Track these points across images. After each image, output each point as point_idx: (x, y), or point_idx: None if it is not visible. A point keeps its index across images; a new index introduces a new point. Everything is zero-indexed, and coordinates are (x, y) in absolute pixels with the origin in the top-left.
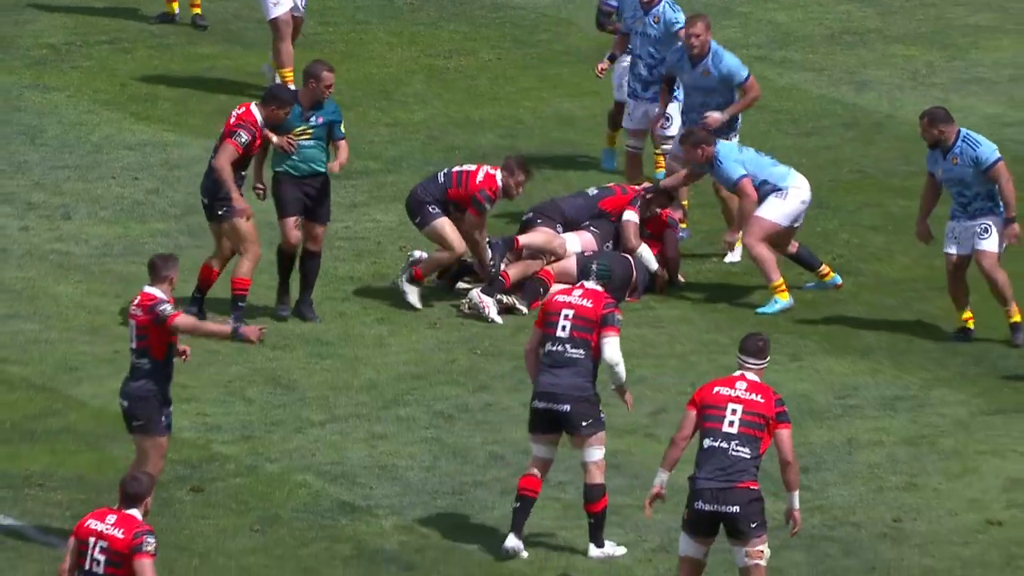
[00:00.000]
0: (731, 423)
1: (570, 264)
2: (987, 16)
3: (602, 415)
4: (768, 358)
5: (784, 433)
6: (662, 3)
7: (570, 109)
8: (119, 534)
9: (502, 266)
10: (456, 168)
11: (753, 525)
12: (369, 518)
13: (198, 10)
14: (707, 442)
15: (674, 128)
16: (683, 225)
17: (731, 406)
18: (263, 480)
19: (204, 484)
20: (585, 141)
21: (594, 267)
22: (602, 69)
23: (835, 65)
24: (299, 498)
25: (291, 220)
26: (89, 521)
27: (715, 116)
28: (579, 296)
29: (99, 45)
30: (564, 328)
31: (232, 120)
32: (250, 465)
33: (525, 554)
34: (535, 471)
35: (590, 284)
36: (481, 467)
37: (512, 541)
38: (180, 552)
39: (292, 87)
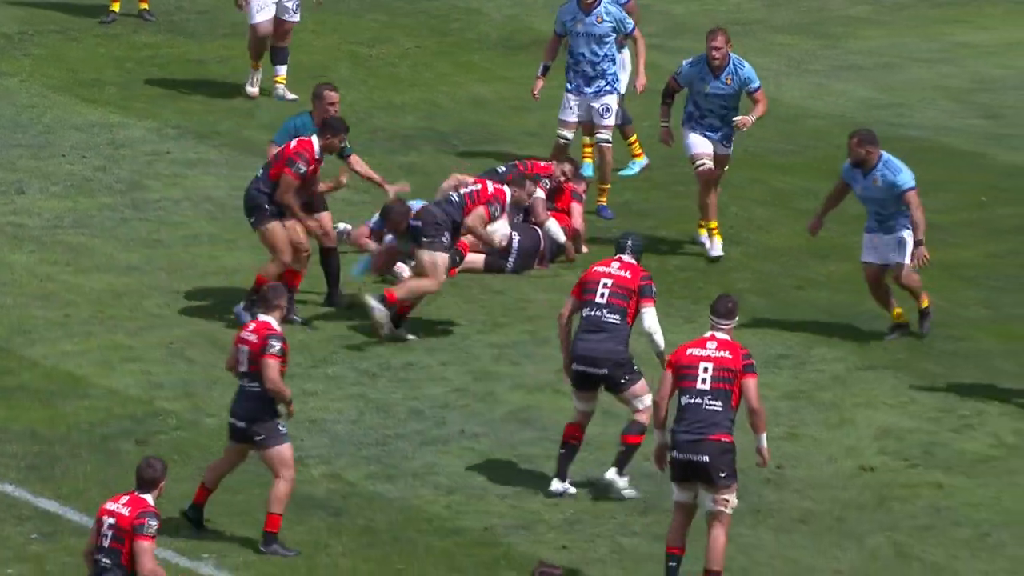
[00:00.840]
0: (703, 380)
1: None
2: (862, 8)
3: (636, 368)
4: (736, 318)
5: (750, 382)
6: (601, 3)
7: (483, 93)
8: (125, 512)
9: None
10: (464, 191)
11: (722, 475)
12: (300, 467)
13: (146, 5)
14: (684, 399)
15: (614, 116)
16: (603, 201)
17: (703, 364)
18: (203, 433)
19: (148, 437)
20: (496, 122)
21: (629, 242)
22: (536, 92)
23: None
24: None
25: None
26: (108, 503)
27: (746, 119)
28: (617, 268)
29: (50, 34)
30: (603, 295)
31: (291, 148)
32: (191, 420)
33: (573, 490)
34: (577, 421)
35: (627, 257)
36: (402, 421)
37: (558, 484)
38: None
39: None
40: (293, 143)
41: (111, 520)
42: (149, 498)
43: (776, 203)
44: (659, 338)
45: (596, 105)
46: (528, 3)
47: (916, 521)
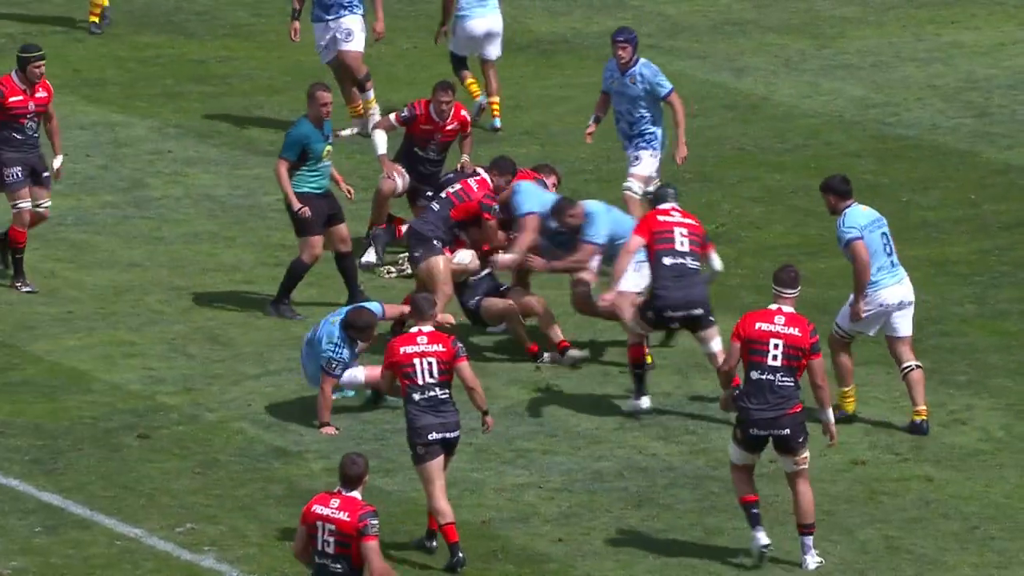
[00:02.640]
0: (775, 357)
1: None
2: (852, 9)
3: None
4: (800, 287)
5: (816, 363)
6: (637, 65)
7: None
8: (345, 516)
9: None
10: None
11: (800, 440)
12: (300, 461)
13: (95, 18)
14: (754, 375)
15: (644, 167)
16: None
17: (773, 341)
18: (204, 427)
19: (150, 431)
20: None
21: (670, 190)
22: (589, 134)
23: (717, 53)
24: (236, 444)
25: (318, 239)
26: (315, 507)
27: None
28: (680, 216)
29: (53, 35)
30: (683, 243)
31: (477, 193)
32: (191, 414)
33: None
34: (644, 345)
35: (674, 204)
36: (400, 415)
37: (644, 402)
38: (128, 492)
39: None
40: (473, 186)
41: (331, 527)
42: (358, 495)
43: (769, 200)
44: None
45: (631, 155)
46: (526, 5)
47: (906, 514)
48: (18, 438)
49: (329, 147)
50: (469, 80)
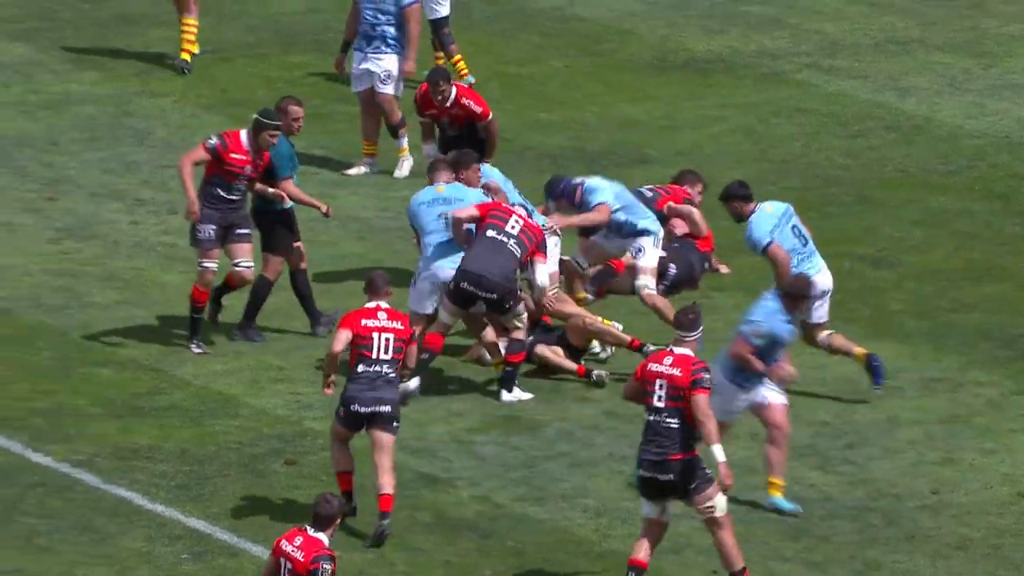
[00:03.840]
0: (659, 398)
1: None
2: (1019, 27)
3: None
4: (701, 328)
5: (698, 399)
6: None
7: (633, 113)
8: (300, 556)
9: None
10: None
11: (692, 486)
12: (448, 489)
13: (187, 56)
14: (646, 416)
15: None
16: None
17: (658, 381)
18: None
19: (297, 457)
20: (646, 141)
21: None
22: None
23: (879, 72)
24: None
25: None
26: (282, 541)
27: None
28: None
29: (201, 55)
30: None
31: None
32: None
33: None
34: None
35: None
36: (551, 442)
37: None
38: (275, 519)
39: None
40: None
41: (289, 565)
42: (324, 538)
43: (931, 224)
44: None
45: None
46: (680, 23)
47: None
48: (165, 463)
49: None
50: (456, 57)
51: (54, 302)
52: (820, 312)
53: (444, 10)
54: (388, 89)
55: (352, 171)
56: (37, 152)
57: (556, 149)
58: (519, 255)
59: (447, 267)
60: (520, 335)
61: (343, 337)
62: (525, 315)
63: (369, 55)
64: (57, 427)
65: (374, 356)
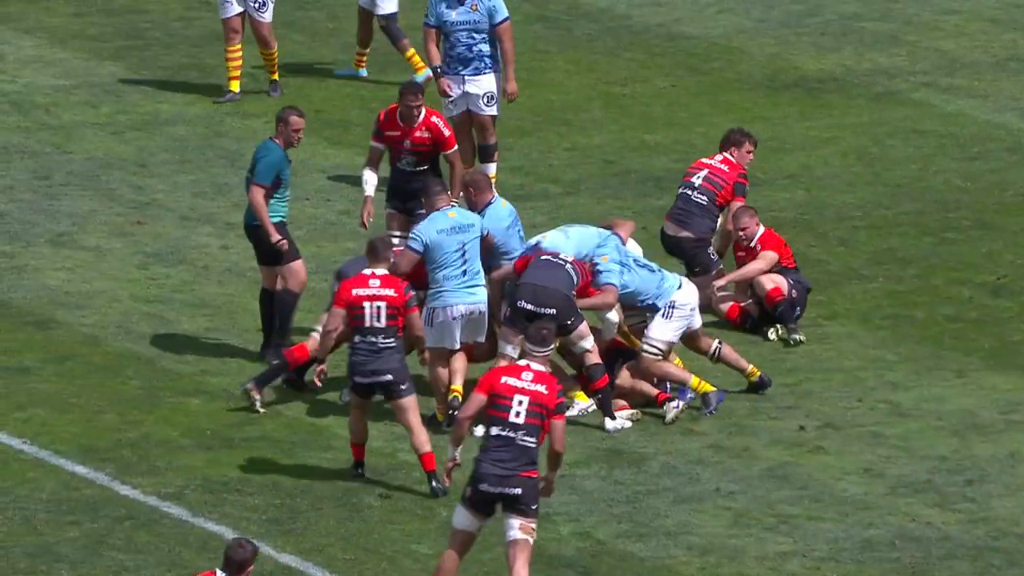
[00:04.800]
0: (517, 414)
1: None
2: None
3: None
4: (553, 346)
5: (558, 424)
6: None
7: None
8: None
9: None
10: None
11: (533, 506)
12: (548, 524)
13: (276, 76)
14: (495, 430)
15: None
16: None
17: (517, 397)
18: (448, 487)
19: (391, 491)
20: (755, 164)
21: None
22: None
23: (1000, 92)
24: None
25: (302, 262)
26: None
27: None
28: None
29: (296, 74)
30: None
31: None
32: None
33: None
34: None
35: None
36: (654, 476)
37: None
38: (369, 555)
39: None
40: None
41: None
42: None
43: None
44: None
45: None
46: (792, 40)
47: None
48: (255, 496)
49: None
50: (409, 52)
51: (143, 329)
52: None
53: (391, 6)
54: (492, 110)
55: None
56: (126, 174)
57: (660, 172)
58: (575, 280)
59: (465, 301)
60: (595, 358)
61: (337, 314)
62: (591, 341)
63: (467, 78)
64: (145, 458)
65: (367, 324)
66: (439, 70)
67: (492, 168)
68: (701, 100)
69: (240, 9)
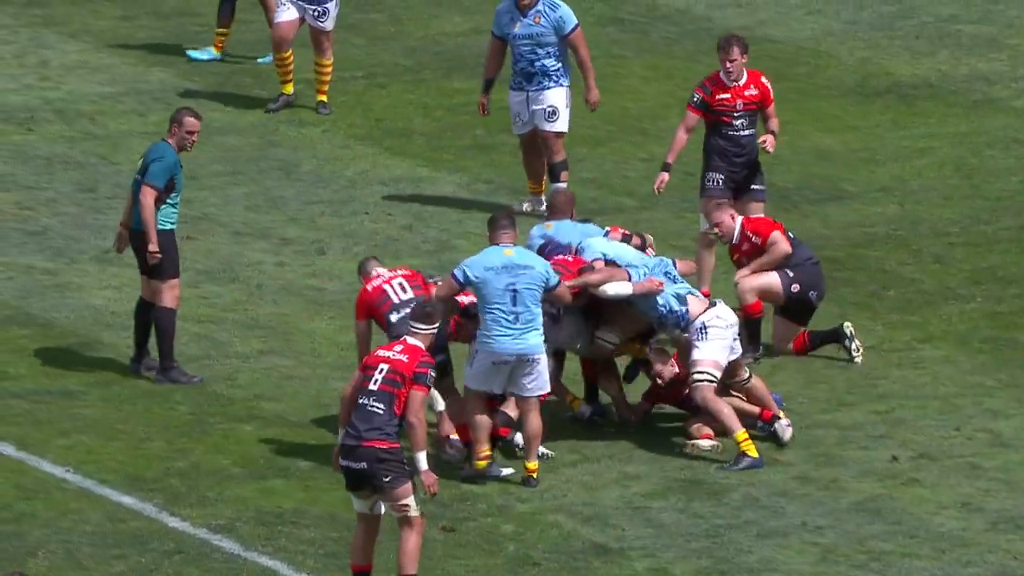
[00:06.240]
0: (375, 381)
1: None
2: None
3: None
4: (436, 324)
5: (415, 394)
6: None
7: (829, 144)
8: None
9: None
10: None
11: (386, 479)
12: (622, 560)
13: (323, 97)
14: (358, 399)
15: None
16: None
17: (380, 365)
18: (514, 520)
19: (455, 523)
20: (844, 176)
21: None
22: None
23: None
24: (551, 539)
25: (178, 281)
26: None
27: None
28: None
29: (355, 80)
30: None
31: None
32: (501, 505)
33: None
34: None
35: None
36: (736, 510)
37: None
38: None
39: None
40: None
41: None
42: None
43: None
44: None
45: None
46: (884, 45)
47: None
48: (311, 529)
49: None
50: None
51: (192, 351)
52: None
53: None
54: (554, 126)
55: (519, 207)
56: None
57: None
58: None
59: (511, 347)
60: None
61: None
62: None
63: (531, 93)
64: (194, 489)
65: (397, 300)
66: (487, 83)
67: (562, 187)
68: (786, 107)
69: (295, 15)
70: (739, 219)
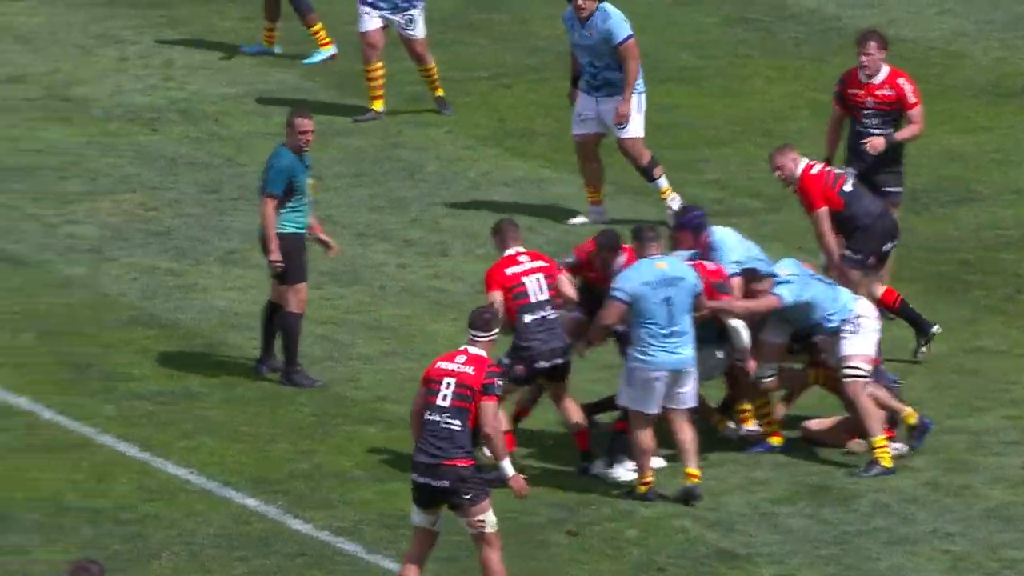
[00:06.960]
0: (444, 396)
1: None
2: None
3: None
4: (496, 330)
5: (487, 405)
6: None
7: (960, 145)
8: None
9: None
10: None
11: (467, 496)
12: (748, 566)
13: (440, 92)
14: (427, 415)
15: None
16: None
17: (446, 380)
18: (639, 524)
19: (580, 528)
20: (976, 178)
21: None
22: None
23: None
24: (676, 544)
25: (305, 285)
26: None
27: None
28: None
29: (479, 80)
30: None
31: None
32: (626, 510)
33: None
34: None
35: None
36: (865, 516)
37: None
38: None
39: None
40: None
41: None
42: None
43: None
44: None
45: None
46: (1019, 45)
47: None
48: None
49: (312, 180)
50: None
51: (315, 353)
52: None
53: None
54: (625, 132)
55: (574, 220)
56: None
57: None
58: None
59: (667, 363)
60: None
61: (496, 299)
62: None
63: (599, 99)
64: (317, 491)
65: (533, 300)
66: (574, 79)
67: (662, 182)
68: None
69: (380, 24)
70: (802, 163)
